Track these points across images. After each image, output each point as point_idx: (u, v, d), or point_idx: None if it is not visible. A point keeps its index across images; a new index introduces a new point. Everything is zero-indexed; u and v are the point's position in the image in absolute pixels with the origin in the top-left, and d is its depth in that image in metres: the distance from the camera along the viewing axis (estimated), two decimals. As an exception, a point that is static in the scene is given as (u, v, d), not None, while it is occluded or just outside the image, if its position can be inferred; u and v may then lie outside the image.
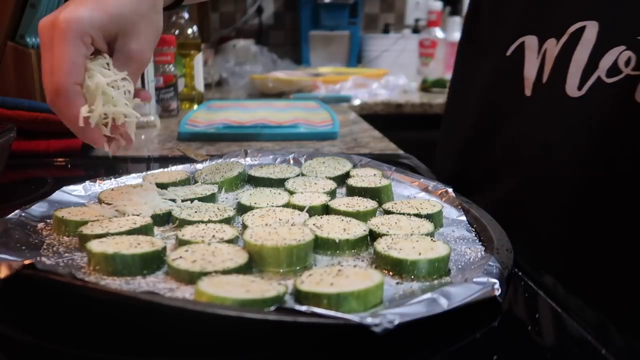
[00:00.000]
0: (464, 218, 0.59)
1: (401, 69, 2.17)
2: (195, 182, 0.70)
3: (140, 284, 0.44)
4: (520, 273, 0.50)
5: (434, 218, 0.57)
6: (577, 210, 0.68)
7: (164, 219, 0.57)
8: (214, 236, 0.50)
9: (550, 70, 0.67)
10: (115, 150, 0.59)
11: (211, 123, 1.17)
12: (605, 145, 0.64)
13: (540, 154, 0.70)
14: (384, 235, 0.51)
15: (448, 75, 1.24)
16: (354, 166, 0.76)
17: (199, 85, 1.56)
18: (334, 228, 0.52)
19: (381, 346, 0.37)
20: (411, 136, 1.42)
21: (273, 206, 0.60)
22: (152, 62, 1.23)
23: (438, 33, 2.21)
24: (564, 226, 0.70)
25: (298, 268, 0.47)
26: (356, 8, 2.30)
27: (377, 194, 0.64)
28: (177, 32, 1.47)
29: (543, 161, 0.70)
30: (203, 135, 1.10)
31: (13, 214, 0.54)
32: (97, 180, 0.68)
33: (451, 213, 0.61)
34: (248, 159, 0.81)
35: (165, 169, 0.75)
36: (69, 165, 0.90)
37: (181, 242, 0.50)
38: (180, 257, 0.45)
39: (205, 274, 0.43)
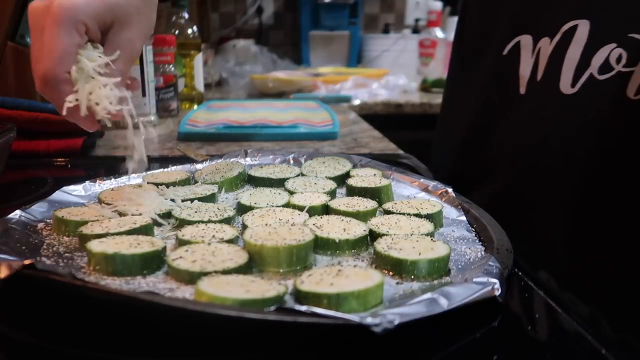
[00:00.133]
0: (464, 218, 0.59)
1: (401, 69, 2.17)
2: (195, 182, 0.70)
3: (140, 284, 0.44)
4: (520, 273, 0.50)
5: (434, 218, 0.57)
6: (574, 205, 0.69)
7: (163, 219, 0.57)
8: (214, 236, 0.50)
9: (544, 68, 0.68)
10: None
11: (211, 123, 1.17)
12: (600, 140, 0.65)
13: (535, 150, 0.71)
14: (384, 235, 0.51)
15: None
16: (354, 166, 0.76)
17: (199, 85, 1.56)
18: (334, 228, 0.52)
19: (381, 346, 0.37)
20: (411, 136, 1.42)
21: (273, 206, 0.60)
22: (152, 62, 1.23)
23: (438, 33, 2.21)
24: (561, 222, 0.70)
25: (298, 268, 0.47)
26: (356, 8, 2.30)
27: (377, 194, 0.64)
28: (177, 32, 1.47)
29: (539, 158, 0.71)
30: (203, 135, 1.10)
31: (13, 214, 0.54)
32: (97, 180, 0.68)
33: (451, 213, 0.61)
34: (248, 159, 0.81)
35: (165, 169, 0.75)
36: (69, 165, 0.90)
37: (181, 242, 0.50)
38: (180, 257, 0.45)
39: (205, 274, 0.43)
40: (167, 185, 0.66)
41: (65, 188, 0.64)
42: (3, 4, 1.01)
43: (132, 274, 0.45)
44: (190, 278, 0.43)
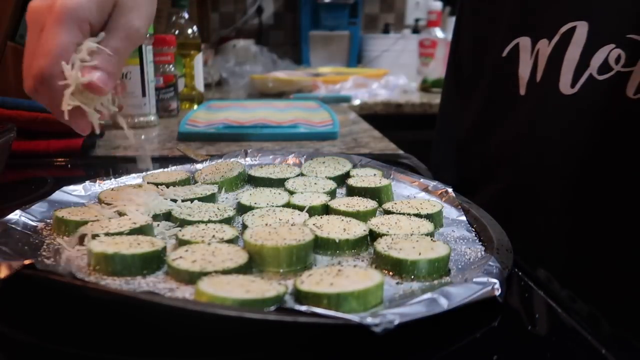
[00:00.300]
0: (464, 218, 0.59)
1: (401, 69, 2.17)
2: (195, 182, 0.70)
3: (140, 284, 0.44)
4: (520, 273, 0.50)
5: (434, 218, 0.57)
6: (575, 204, 0.69)
7: (163, 219, 0.57)
8: (214, 236, 0.50)
9: (544, 69, 0.69)
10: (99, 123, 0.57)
11: (211, 123, 1.17)
12: (600, 139, 0.66)
13: (536, 150, 0.71)
14: (384, 235, 0.51)
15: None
16: (354, 166, 0.76)
17: (199, 85, 1.56)
18: (334, 228, 0.52)
19: (381, 346, 0.37)
20: (411, 136, 1.42)
21: (273, 206, 0.60)
22: (152, 62, 1.23)
23: (438, 33, 2.21)
24: (562, 221, 0.70)
25: (298, 268, 0.47)
26: (356, 8, 2.30)
27: (377, 194, 0.64)
28: (177, 32, 1.47)
29: (539, 158, 0.71)
30: (203, 135, 1.10)
31: (13, 214, 0.54)
32: (97, 180, 0.68)
33: (451, 213, 0.61)
34: (248, 159, 0.81)
35: (165, 169, 0.75)
36: (69, 165, 0.90)
37: (181, 242, 0.50)
38: (180, 257, 0.45)
39: (205, 274, 0.43)
40: (167, 185, 0.66)
41: (65, 188, 0.64)
42: (3, 4, 1.01)
43: (132, 274, 0.45)
44: (190, 278, 0.43)
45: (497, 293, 0.41)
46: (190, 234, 0.50)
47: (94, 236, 0.48)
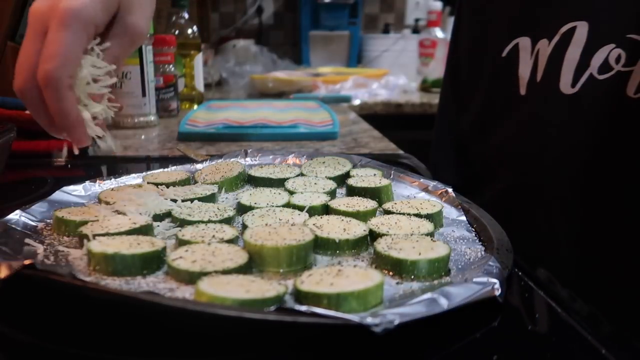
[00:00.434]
0: (464, 218, 0.59)
1: (401, 69, 2.17)
2: (195, 182, 0.70)
3: (140, 284, 0.44)
4: (520, 273, 0.50)
5: (434, 218, 0.57)
6: (576, 204, 0.69)
7: (163, 219, 0.57)
8: (214, 236, 0.50)
9: (544, 69, 0.69)
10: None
11: (211, 123, 1.17)
12: (601, 138, 0.66)
13: (537, 150, 0.71)
14: (384, 235, 0.51)
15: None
16: (354, 166, 0.76)
17: (199, 85, 1.56)
18: (334, 228, 0.52)
19: (381, 346, 0.37)
20: (411, 136, 1.42)
21: (273, 206, 0.60)
22: (152, 62, 1.23)
23: (438, 33, 2.21)
24: (563, 221, 0.70)
25: (298, 268, 0.47)
26: (356, 8, 2.30)
27: (377, 194, 0.64)
28: (177, 32, 1.47)
29: (540, 157, 0.71)
30: (203, 135, 1.10)
31: (13, 214, 0.54)
32: (97, 180, 0.68)
33: (451, 213, 0.61)
34: (248, 159, 0.81)
35: (165, 169, 0.75)
36: (69, 165, 0.90)
37: (181, 242, 0.50)
38: (180, 257, 0.45)
39: (205, 274, 0.43)
40: (167, 185, 0.66)
41: (65, 188, 0.64)
42: (3, 4, 1.01)
43: (132, 274, 0.45)
44: (190, 278, 0.43)
45: (497, 293, 0.41)
46: (190, 234, 0.50)
47: (94, 236, 0.48)
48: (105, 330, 0.39)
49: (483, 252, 0.50)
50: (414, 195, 0.68)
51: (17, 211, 0.55)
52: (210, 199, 0.63)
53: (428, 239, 0.50)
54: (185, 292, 0.42)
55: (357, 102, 1.76)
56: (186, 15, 1.50)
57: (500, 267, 0.44)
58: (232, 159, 0.78)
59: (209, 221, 0.55)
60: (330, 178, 0.70)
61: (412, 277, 0.46)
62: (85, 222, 0.52)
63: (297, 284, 0.41)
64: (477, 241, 0.53)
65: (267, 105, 1.45)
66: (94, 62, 0.53)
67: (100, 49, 0.54)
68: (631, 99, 0.62)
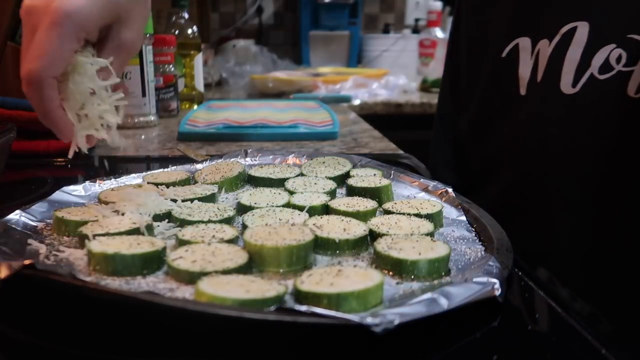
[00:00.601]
0: (464, 218, 0.59)
1: (401, 69, 2.18)
2: (195, 182, 0.70)
3: (140, 284, 0.44)
4: (520, 273, 0.50)
5: (434, 218, 0.57)
6: (577, 204, 0.69)
7: (163, 219, 0.57)
8: (214, 236, 0.50)
9: (544, 69, 0.69)
10: (91, 143, 0.56)
11: (211, 123, 1.17)
12: (601, 138, 0.66)
13: (537, 150, 0.71)
14: (384, 235, 0.51)
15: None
16: (354, 166, 0.76)
17: (199, 85, 1.56)
18: (334, 228, 0.52)
19: (381, 346, 0.37)
20: (411, 136, 1.42)
21: (273, 206, 0.60)
22: (152, 62, 1.23)
23: (438, 33, 2.21)
24: (563, 221, 0.70)
25: (298, 268, 0.47)
26: (356, 8, 2.30)
27: (377, 194, 0.64)
28: (177, 32, 1.47)
29: (540, 157, 0.71)
30: (203, 135, 1.10)
31: (13, 214, 0.54)
32: (97, 180, 0.68)
33: (451, 213, 0.61)
34: (248, 159, 0.81)
35: (165, 169, 0.75)
36: (69, 165, 0.90)
37: (181, 242, 0.50)
38: (180, 257, 0.45)
39: (205, 274, 0.43)
40: (167, 185, 0.66)
41: (65, 188, 0.64)
42: (3, 4, 1.01)
43: (132, 274, 0.45)
44: (190, 278, 0.43)
45: (497, 293, 0.41)
46: (190, 234, 0.50)
47: (94, 236, 0.48)
48: (105, 330, 0.39)
49: (483, 252, 0.50)
50: (414, 195, 0.68)
51: (17, 211, 0.55)
52: (210, 199, 0.63)
53: (428, 239, 0.50)
54: (185, 292, 0.42)
55: (357, 102, 1.76)
56: (186, 15, 1.50)
57: (500, 267, 0.44)
58: (232, 159, 0.78)
59: (209, 221, 0.55)
60: (330, 178, 0.70)
61: (412, 277, 0.46)
62: (85, 222, 0.52)
63: (297, 284, 0.41)
64: (477, 241, 0.53)
65: (267, 105, 1.45)
66: (92, 76, 0.52)
67: (100, 64, 0.53)
68: (632, 99, 0.62)
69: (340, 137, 1.14)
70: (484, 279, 0.42)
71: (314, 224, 0.53)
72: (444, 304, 0.38)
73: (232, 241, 0.50)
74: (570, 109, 0.67)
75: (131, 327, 0.39)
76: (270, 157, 0.81)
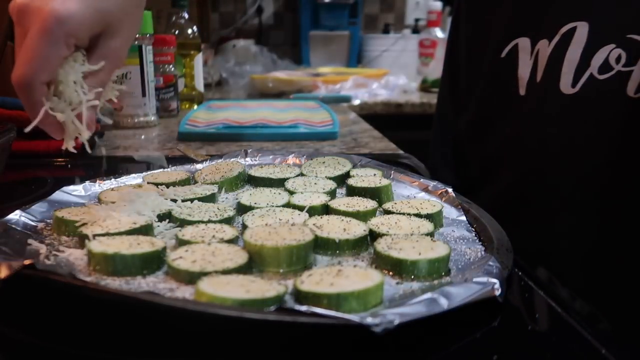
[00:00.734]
0: (464, 218, 0.59)
1: (401, 69, 2.17)
2: (195, 182, 0.70)
3: (140, 284, 0.44)
4: (520, 273, 0.50)
5: (434, 218, 0.57)
6: (576, 204, 0.69)
7: (164, 219, 0.57)
8: (214, 236, 0.50)
9: (544, 69, 0.69)
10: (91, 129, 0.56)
11: (211, 123, 1.17)
12: (601, 138, 0.66)
13: (536, 150, 0.71)
14: (384, 235, 0.51)
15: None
16: (354, 166, 0.76)
17: (199, 85, 1.56)
18: (334, 228, 0.52)
19: (381, 346, 0.37)
20: (411, 136, 1.42)
21: (273, 206, 0.60)
22: (152, 62, 1.23)
23: (438, 33, 2.21)
24: (563, 221, 0.71)
25: (298, 268, 0.47)
26: (356, 8, 2.30)
27: (377, 194, 0.64)
28: (177, 32, 1.47)
29: (540, 157, 0.71)
30: (203, 135, 1.10)
31: (13, 214, 0.54)
32: (97, 180, 0.68)
33: (451, 213, 0.61)
34: (248, 159, 0.81)
35: (165, 169, 0.75)
36: (69, 165, 0.90)
37: (181, 242, 0.50)
38: (180, 257, 0.45)
39: (205, 274, 0.43)
40: (167, 185, 0.66)
41: (65, 188, 0.64)
42: (3, 4, 1.00)
43: (132, 274, 0.45)
44: (190, 278, 0.43)
45: (497, 293, 0.41)
46: (190, 234, 0.50)
47: (94, 236, 0.48)
48: (105, 330, 0.39)
49: (483, 252, 0.50)
50: (414, 195, 0.68)
51: (17, 211, 0.55)
52: (210, 199, 0.63)
53: (428, 239, 0.50)
54: (185, 292, 0.42)
55: (357, 102, 1.76)
56: (186, 15, 1.50)
57: (500, 267, 0.44)
58: (232, 159, 0.78)
59: (209, 221, 0.55)
60: (330, 178, 0.70)
61: (412, 277, 0.46)
62: (85, 222, 0.52)
63: (297, 284, 0.41)
64: (477, 241, 0.53)
65: (267, 105, 1.45)
66: (74, 68, 0.52)
67: (90, 69, 0.53)
68: (631, 99, 0.63)
69: (340, 137, 1.14)
70: (484, 279, 0.42)
71: (314, 224, 0.53)
72: (444, 304, 0.38)
73: (232, 241, 0.50)
74: (570, 109, 0.67)
75: (131, 327, 0.39)
76: (270, 157, 0.81)
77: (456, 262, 0.49)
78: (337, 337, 0.37)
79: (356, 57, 2.37)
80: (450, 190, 0.65)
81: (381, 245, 0.48)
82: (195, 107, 1.50)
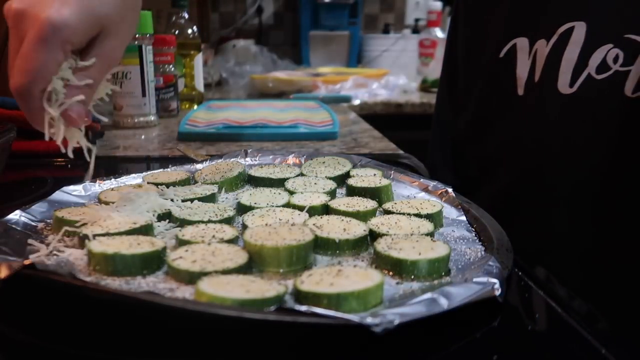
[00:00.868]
0: (464, 218, 0.59)
1: (401, 69, 2.17)
2: (195, 182, 0.70)
3: (140, 284, 0.44)
4: (520, 273, 0.50)
5: (434, 218, 0.57)
6: (575, 203, 0.69)
7: (164, 219, 0.57)
8: (214, 236, 0.50)
9: (542, 69, 0.69)
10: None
11: (211, 123, 1.17)
12: (599, 137, 0.66)
13: (535, 150, 0.72)
14: (384, 235, 0.51)
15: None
16: (354, 166, 0.76)
17: (199, 85, 1.56)
18: (334, 228, 0.52)
19: (381, 346, 0.37)
20: (411, 136, 1.42)
21: (273, 206, 0.60)
22: (152, 62, 1.23)
23: (438, 33, 2.21)
24: (562, 220, 0.71)
25: (298, 268, 0.47)
26: (356, 8, 2.30)
27: (377, 194, 0.64)
28: (177, 32, 1.47)
29: (538, 157, 0.71)
30: (203, 135, 1.10)
31: (13, 214, 0.54)
32: (97, 180, 0.68)
33: (451, 213, 0.61)
34: (248, 159, 0.81)
35: (165, 169, 0.75)
36: (69, 165, 0.90)
37: (181, 242, 0.50)
38: (180, 257, 0.45)
39: (205, 274, 0.43)
40: (167, 185, 0.66)
41: (65, 188, 0.64)
42: (3, 4, 1.00)
43: (132, 274, 0.45)
44: (190, 278, 0.43)
45: (497, 293, 0.41)
46: (190, 234, 0.50)
47: (94, 236, 0.48)
48: (105, 330, 0.39)
49: (483, 252, 0.50)
50: (414, 195, 0.68)
51: (17, 211, 0.55)
52: (210, 199, 0.63)
53: (428, 239, 0.50)
54: (185, 292, 0.42)
55: (357, 102, 1.76)
56: (186, 15, 1.50)
57: (500, 267, 0.44)
58: (232, 159, 0.78)
59: (209, 221, 0.55)
60: (330, 178, 0.70)
61: (412, 277, 0.46)
62: (85, 222, 0.52)
63: (297, 284, 0.41)
64: (477, 241, 0.53)
65: (267, 105, 1.45)
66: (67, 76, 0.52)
67: (80, 66, 0.53)
68: (629, 99, 0.63)
69: (340, 137, 1.14)
70: (484, 279, 0.42)
71: (314, 224, 0.53)
72: (444, 304, 0.38)
73: (232, 241, 0.50)
74: (568, 109, 0.67)
75: (131, 327, 0.39)
76: (270, 157, 0.81)
77: (456, 262, 0.49)
78: (337, 337, 0.37)
79: (356, 57, 2.37)
80: (450, 190, 0.65)
81: (381, 245, 0.48)
82: (195, 107, 1.50)
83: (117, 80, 1.18)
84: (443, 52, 0.94)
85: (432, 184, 0.68)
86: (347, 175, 0.72)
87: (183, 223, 0.55)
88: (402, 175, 0.73)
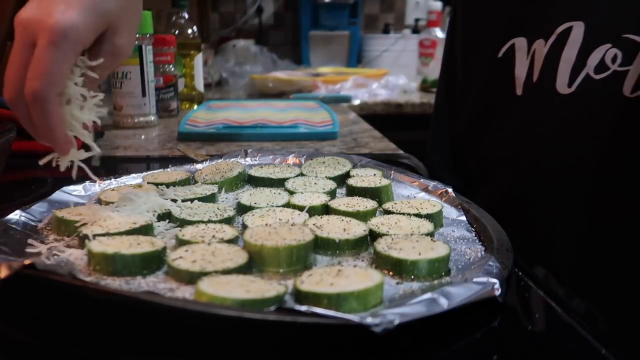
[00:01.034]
0: (464, 218, 0.59)
1: (401, 69, 2.17)
2: (195, 182, 0.70)
3: (140, 284, 0.44)
4: (520, 273, 0.50)
5: (434, 218, 0.57)
6: (574, 203, 0.69)
7: (164, 219, 0.57)
8: (214, 236, 0.50)
9: (540, 69, 0.69)
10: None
11: (211, 123, 1.17)
12: (597, 137, 0.66)
13: (533, 150, 0.72)
14: (384, 235, 0.51)
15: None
16: (354, 166, 0.76)
17: (199, 85, 1.56)
18: (334, 228, 0.52)
19: (381, 346, 0.37)
20: (411, 136, 1.42)
21: (273, 206, 0.60)
22: (152, 62, 1.23)
23: (438, 33, 2.21)
24: (561, 220, 0.71)
25: (298, 268, 0.47)
26: (356, 8, 2.30)
27: (377, 194, 0.64)
28: (177, 32, 1.47)
29: (537, 157, 0.71)
30: (203, 135, 1.10)
31: (13, 214, 0.54)
32: (97, 180, 0.68)
33: (451, 213, 0.61)
34: (248, 159, 0.81)
35: (165, 169, 0.75)
36: (69, 166, 0.90)
37: (181, 242, 0.50)
38: (180, 257, 0.45)
39: (205, 274, 0.43)
40: (167, 185, 0.66)
41: (65, 188, 0.64)
42: (3, 4, 1.00)
43: (132, 274, 0.45)
44: (190, 278, 0.43)
45: (497, 293, 0.40)
46: (190, 234, 0.50)
47: (94, 236, 0.48)
48: (105, 330, 0.39)
49: (483, 252, 0.50)
50: (414, 195, 0.68)
51: (17, 211, 0.55)
52: (210, 199, 0.63)
53: (428, 239, 0.50)
54: (185, 292, 0.42)
55: (357, 102, 1.76)
56: (186, 15, 1.50)
57: (500, 267, 0.44)
58: (232, 159, 0.78)
59: (209, 221, 0.55)
60: (330, 178, 0.70)
61: (412, 277, 0.46)
62: (85, 222, 0.52)
63: (297, 284, 0.41)
64: (477, 241, 0.53)
65: (267, 105, 1.45)
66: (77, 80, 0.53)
67: (91, 65, 0.53)
68: (627, 98, 0.63)
69: (340, 137, 1.14)
70: (484, 279, 0.42)
71: (314, 224, 0.53)
72: (444, 304, 0.38)
73: (232, 241, 0.50)
74: (566, 109, 0.67)
75: (131, 327, 0.39)
76: (270, 157, 0.81)
77: (456, 262, 0.49)
78: (337, 337, 0.37)
79: (356, 57, 2.37)
80: (450, 190, 0.65)
81: (381, 245, 0.48)
82: (195, 107, 1.50)
83: (117, 80, 1.19)
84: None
85: (432, 184, 0.68)
86: (347, 175, 0.72)
87: (183, 223, 0.55)
88: (402, 175, 0.73)
